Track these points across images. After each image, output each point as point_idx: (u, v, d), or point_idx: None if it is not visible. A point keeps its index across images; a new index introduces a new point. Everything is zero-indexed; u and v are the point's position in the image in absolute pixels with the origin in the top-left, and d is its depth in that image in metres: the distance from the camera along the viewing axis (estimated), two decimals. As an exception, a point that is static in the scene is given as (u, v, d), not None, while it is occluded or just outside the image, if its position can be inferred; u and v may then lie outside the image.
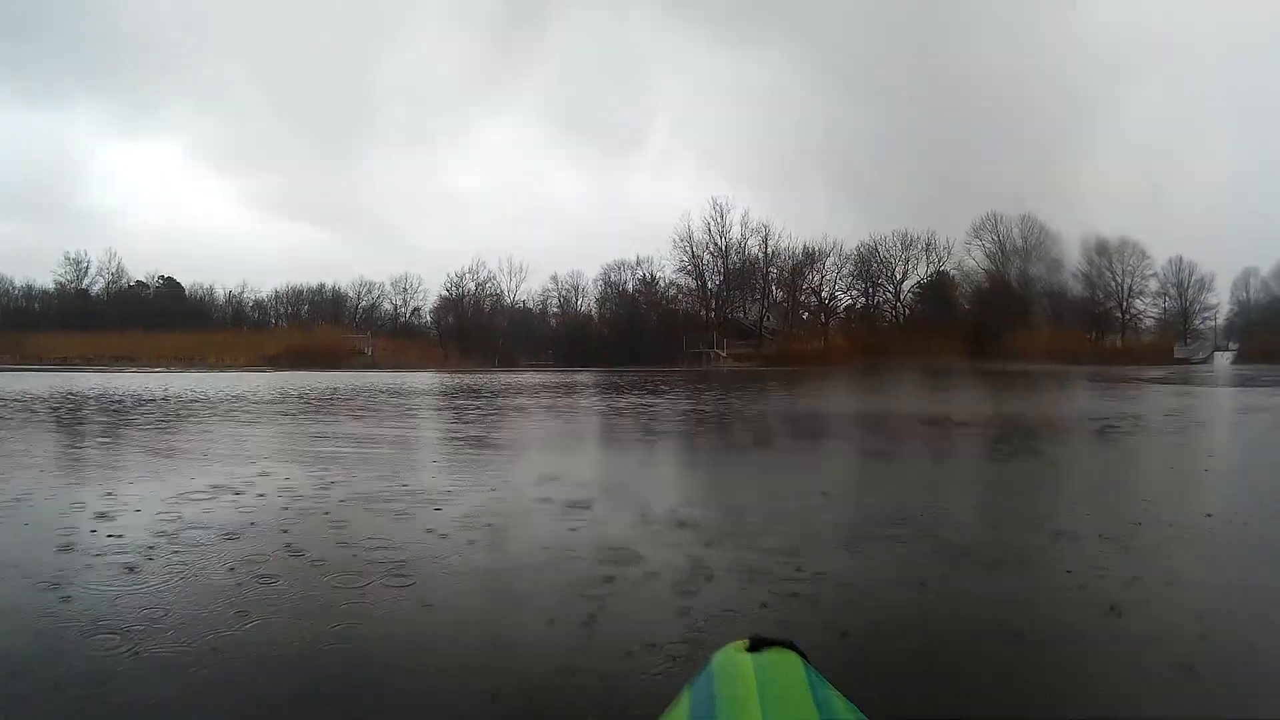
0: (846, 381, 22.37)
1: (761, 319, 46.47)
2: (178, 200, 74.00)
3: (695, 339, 46.11)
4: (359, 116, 75.87)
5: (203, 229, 69.41)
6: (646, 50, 73.63)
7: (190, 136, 72.76)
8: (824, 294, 46.57)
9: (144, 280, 53.37)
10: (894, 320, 46.59)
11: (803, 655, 0.60)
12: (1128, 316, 50.74)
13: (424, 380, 25.09)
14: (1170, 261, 49.89)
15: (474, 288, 50.14)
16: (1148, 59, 66.16)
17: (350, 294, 53.12)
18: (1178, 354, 47.49)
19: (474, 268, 51.14)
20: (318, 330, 46.27)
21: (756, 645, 0.60)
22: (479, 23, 77.53)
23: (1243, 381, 22.31)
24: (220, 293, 54.17)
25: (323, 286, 53.57)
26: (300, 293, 54.02)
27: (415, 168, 73.35)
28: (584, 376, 27.59)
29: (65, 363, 40.10)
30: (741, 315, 46.77)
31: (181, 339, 43.52)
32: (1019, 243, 47.84)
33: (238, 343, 44.55)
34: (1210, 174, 56.73)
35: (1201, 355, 49.21)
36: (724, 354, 45.88)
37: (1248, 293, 48.87)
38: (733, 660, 0.58)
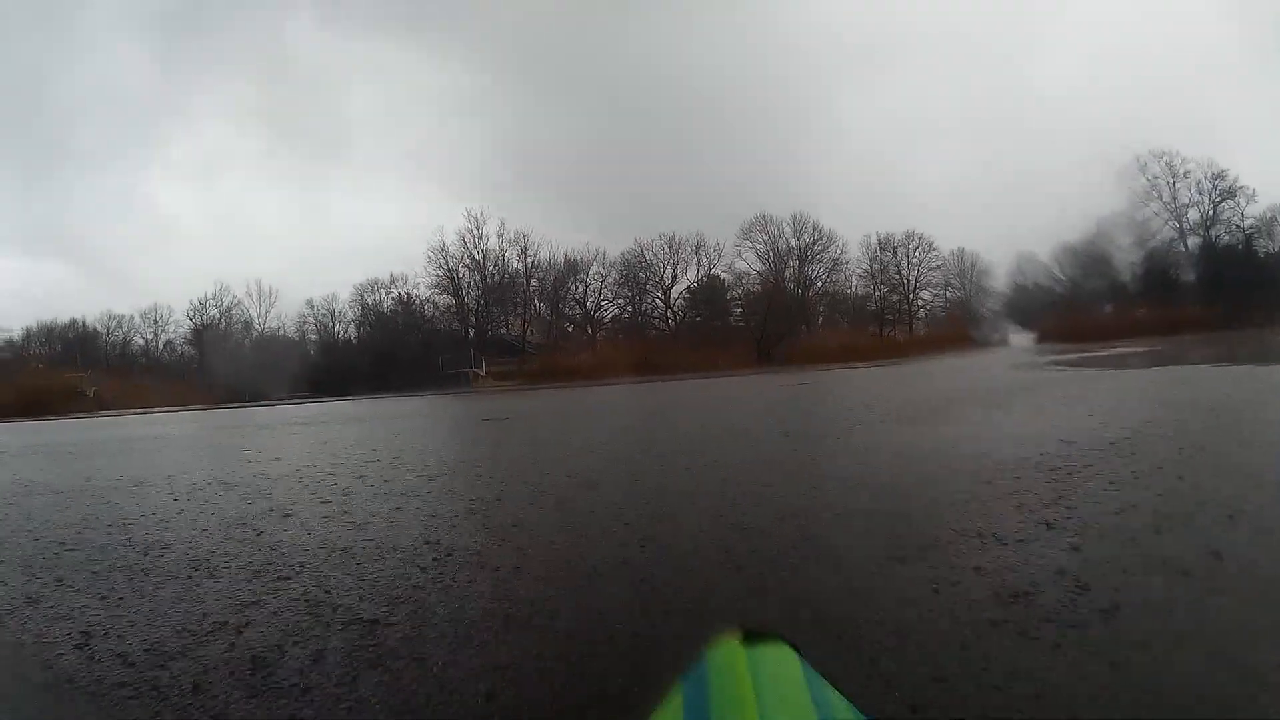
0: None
1: (524, 334, 44.18)
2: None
3: (454, 358, 43.69)
4: (65, 138, 65.01)
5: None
6: (352, 60, 67.48)
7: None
8: (589, 304, 44.55)
9: None
10: (665, 328, 44.86)
11: (797, 650, 0.56)
12: (917, 309, 50.23)
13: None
14: (952, 253, 49.67)
15: (218, 315, 46.71)
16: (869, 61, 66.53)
17: (100, 329, 49.17)
18: (977, 339, 47.48)
19: (217, 294, 47.78)
20: (24, 373, 42.09)
21: (749, 639, 0.56)
22: (151, 32, 67.24)
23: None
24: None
25: (73, 322, 49.47)
26: (52, 330, 49.79)
27: (139, 195, 63.91)
28: (293, 410, 23.97)
29: None
30: (504, 331, 44.40)
31: None
32: (792, 242, 46.75)
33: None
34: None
35: (998, 338, 49.51)
36: (483, 373, 43.57)
37: (1025, 276, 48.59)
38: (726, 655, 0.54)
